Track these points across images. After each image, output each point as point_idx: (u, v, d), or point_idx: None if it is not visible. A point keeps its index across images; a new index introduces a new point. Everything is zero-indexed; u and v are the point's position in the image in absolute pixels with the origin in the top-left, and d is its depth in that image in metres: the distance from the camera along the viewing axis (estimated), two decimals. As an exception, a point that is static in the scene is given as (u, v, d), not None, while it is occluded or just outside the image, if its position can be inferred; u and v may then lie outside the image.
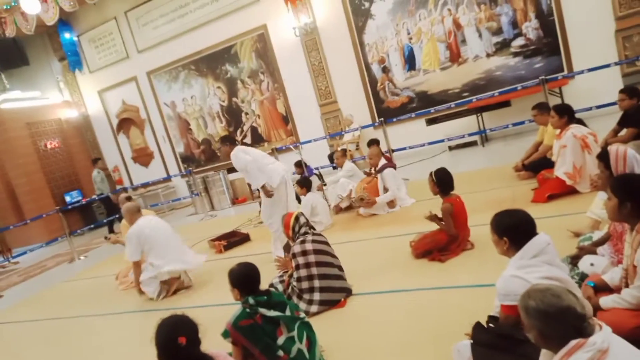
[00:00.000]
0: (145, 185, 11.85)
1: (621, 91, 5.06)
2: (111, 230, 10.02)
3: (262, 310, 2.38)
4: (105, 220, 10.33)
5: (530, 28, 8.24)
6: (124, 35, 11.91)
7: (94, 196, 10.62)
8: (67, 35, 12.26)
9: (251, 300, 2.40)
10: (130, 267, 5.49)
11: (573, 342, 1.43)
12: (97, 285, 6.06)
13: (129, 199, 5.96)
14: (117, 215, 9.72)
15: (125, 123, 12.81)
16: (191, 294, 4.72)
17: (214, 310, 3.94)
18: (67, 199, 11.97)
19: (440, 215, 3.81)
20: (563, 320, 1.45)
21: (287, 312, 2.48)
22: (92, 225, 10.88)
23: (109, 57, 12.34)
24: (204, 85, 11.39)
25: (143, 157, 12.77)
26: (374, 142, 6.41)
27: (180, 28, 11.14)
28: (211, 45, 10.91)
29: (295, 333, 2.44)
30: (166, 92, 11.89)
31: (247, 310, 2.39)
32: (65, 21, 12.12)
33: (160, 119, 12.19)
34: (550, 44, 8.15)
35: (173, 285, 4.75)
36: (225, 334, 2.38)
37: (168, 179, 10.20)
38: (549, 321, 1.47)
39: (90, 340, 4.25)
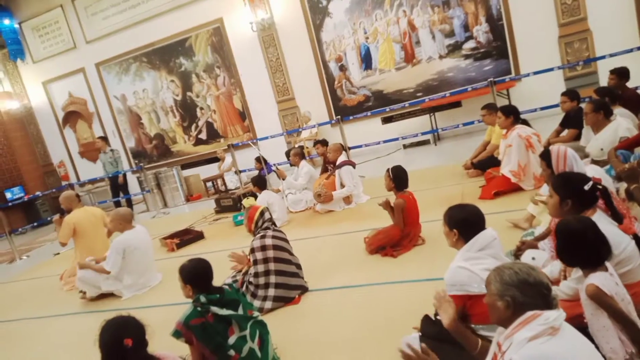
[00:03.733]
0: (92, 181, 11.34)
1: (563, 94, 5.34)
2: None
3: (214, 309, 2.33)
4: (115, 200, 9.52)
5: (481, 31, 8.55)
6: (71, 25, 11.34)
7: None
8: (6, 22, 11.53)
9: (203, 299, 2.34)
10: (75, 266, 5.25)
11: (529, 313, 1.48)
12: (39, 287, 5.74)
13: (77, 196, 5.66)
14: (124, 197, 9.35)
15: (72, 116, 12.23)
16: (139, 294, 4.55)
17: (163, 311, 3.83)
18: (8, 195, 11.27)
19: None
20: (538, 289, 1.51)
21: (240, 311, 2.44)
22: (35, 224, 10.29)
23: (54, 46, 11.71)
24: (157, 79, 11.04)
25: (91, 151, 12.23)
26: (325, 143, 6.47)
27: (132, 19, 10.74)
28: (165, 37, 10.60)
29: (247, 332, 2.41)
30: (116, 84, 11.44)
31: (199, 309, 2.33)
32: (4, 6, 11.40)
33: (109, 112, 11.72)
34: (499, 48, 8.50)
35: None
36: (177, 334, 2.31)
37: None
38: (526, 288, 1.51)
39: (33, 344, 4.02)
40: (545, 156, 2.89)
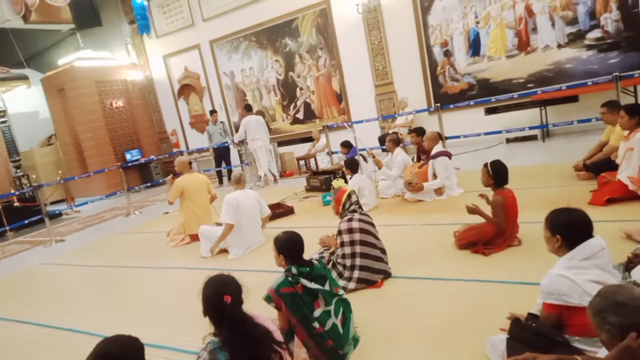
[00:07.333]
0: (200, 150, 12.28)
1: None
2: (220, 181, 10.51)
3: (303, 281, 2.46)
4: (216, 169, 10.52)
5: (610, 20, 7.69)
6: (191, 3, 12.20)
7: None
8: (138, 0, 12.71)
9: (294, 270, 2.48)
10: (180, 226, 5.82)
11: None
12: (149, 240, 6.43)
13: (190, 163, 6.22)
14: (226, 167, 10.39)
15: (186, 89, 13.24)
16: (245, 252, 4.88)
17: (253, 275, 4.09)
18: (128, 156, 12.63)
19: (482, 209, 3.74)
20: None
21: (327, 287, 2.55)
22: (148, 184, 11.47)
23: (175, 23, 12.71)
24: (263, 58, 11.52)
25: (199, 123, 13.20)
26: (421, 132, 6.28)
27: (246, -1, 11.25)
28: (274, 17, 10.98)
29: (332, 307, 2.51)
30: (226, 61, 12.14)
31: (290, 278, 2.47)
32: (137, -15, 12.53)
33: (218, 87, 12.50)
34: (630, 39, 7.58)
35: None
36: (268, 299, 2.47)
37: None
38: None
39: (140, 289, 4.55)
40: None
